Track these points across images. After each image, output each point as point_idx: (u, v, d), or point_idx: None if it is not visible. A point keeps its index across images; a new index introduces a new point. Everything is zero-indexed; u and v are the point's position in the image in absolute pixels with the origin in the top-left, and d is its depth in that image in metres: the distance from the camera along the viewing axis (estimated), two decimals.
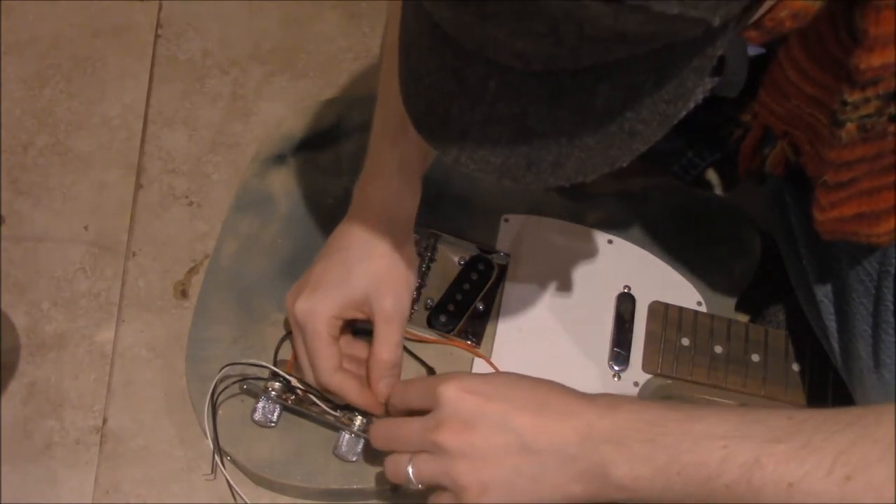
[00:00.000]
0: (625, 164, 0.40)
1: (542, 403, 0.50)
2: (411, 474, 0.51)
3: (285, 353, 0.67)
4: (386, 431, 0.55)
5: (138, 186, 0.82)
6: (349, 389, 0.60)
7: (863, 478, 0.41)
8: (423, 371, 0.66)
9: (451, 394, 0.50)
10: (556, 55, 0.35)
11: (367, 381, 0.61)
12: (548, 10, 0.32)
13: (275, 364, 0.65)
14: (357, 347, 0.64)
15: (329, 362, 0.60)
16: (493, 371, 0.66)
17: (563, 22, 0.32)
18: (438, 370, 0.66)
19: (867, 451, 0.41)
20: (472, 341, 0.68)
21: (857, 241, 0.52)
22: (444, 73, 0.39)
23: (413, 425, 0.52)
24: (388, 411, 0.58)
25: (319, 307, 0.59)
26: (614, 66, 0.36)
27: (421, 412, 0.53)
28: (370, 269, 0.60)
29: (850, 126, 0.47)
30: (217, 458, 0.64)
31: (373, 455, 0.62)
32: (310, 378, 0.62)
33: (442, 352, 0.67)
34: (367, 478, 0.62)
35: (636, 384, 0.66)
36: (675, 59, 0.36)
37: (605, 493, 0.47)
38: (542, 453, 0.48)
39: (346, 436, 0.63)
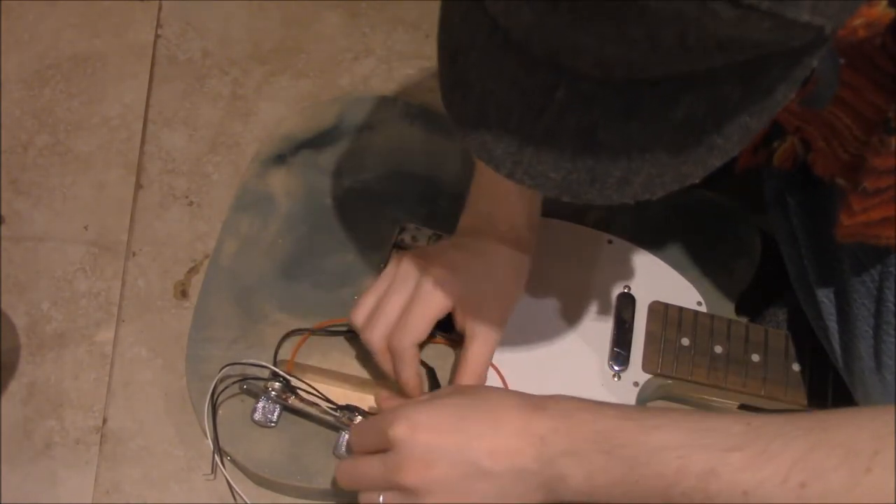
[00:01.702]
0: (697, 181, 0.38)
1: (494, 423, 0.50)
2: None
3: (285, 354, 0.67)
4: (350, 473, 0.55)
5: (138, 186, 0.82)
6: (411, 364, 0.60)
7: (819, 485, 0.40)
8: (423, 371, 0.66)
9: (403, 435, 0.50)
10: (645, 63, 0.32)
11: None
12: (656, 13, 0.29)
13: (275, 364, 0.65)
14: None
15: (422, 334, 0.60)
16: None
17: (665, 27, 0.29)
18: (438, 370, 0.66)
19: (824, 458, 0.41)
20: None
21: (878, 243, 0.52)
22: (500, 81, 0.36)
23: (374, 464, 0.52)
24: (350, 449, 0.59)
25: (452, 288, 0.59)
26: (701, 76, 0.33)
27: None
28: (495, 287, 0.61)
29: None
30: (217, 458, 0.64)
31: None
32: (377, 331, 0.61)
33: (442, 352, 0.67)
34: None
35: (636, 384, 0.66)
36: (768, 69, 0.34)
37: (567, 498, 0.48)
38: (502, 475, 0.48)
39: (346, 436, 0.63)
